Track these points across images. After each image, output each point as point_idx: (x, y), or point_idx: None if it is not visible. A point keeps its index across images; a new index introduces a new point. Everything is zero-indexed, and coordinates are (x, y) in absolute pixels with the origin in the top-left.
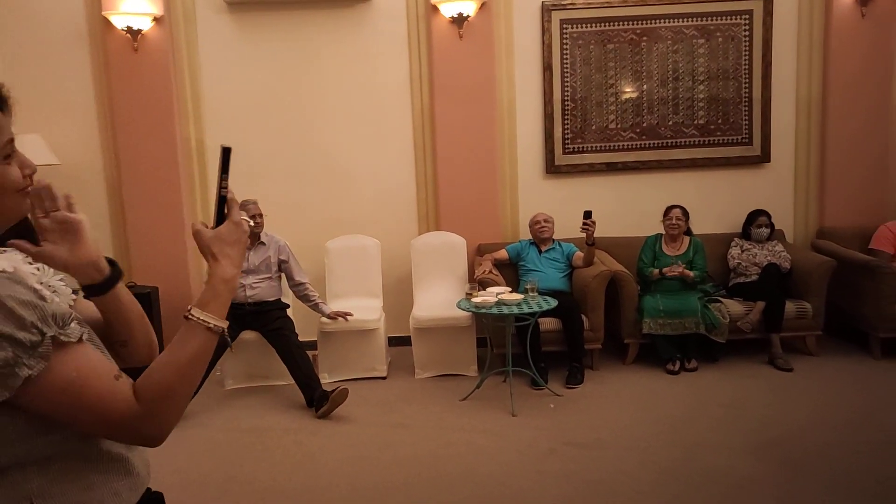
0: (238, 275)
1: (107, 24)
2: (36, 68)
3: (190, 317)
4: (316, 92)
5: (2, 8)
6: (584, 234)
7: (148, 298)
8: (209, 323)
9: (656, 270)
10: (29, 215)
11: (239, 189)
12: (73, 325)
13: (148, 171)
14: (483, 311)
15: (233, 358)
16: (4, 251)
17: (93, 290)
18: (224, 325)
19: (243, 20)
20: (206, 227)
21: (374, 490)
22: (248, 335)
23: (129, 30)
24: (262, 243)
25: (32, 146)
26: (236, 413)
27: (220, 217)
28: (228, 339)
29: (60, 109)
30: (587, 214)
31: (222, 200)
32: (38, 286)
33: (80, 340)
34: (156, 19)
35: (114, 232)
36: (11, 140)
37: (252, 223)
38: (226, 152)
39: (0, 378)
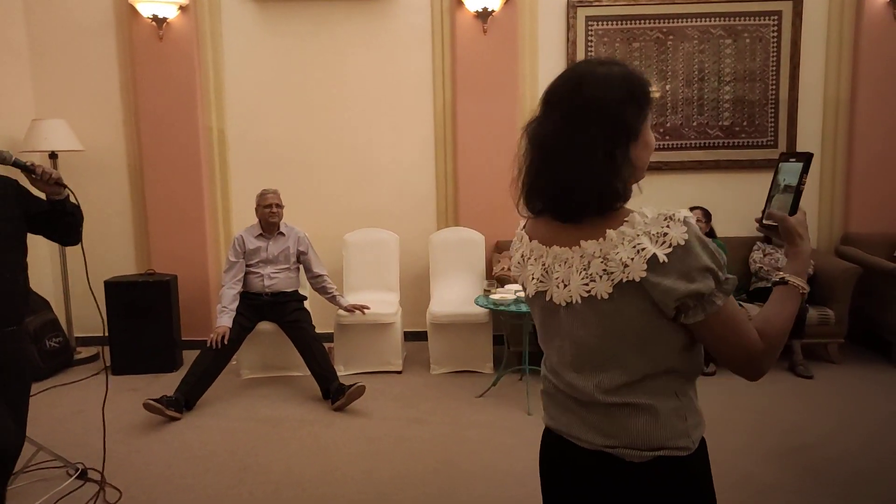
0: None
1: (133, 12)
2: (63, 55)
3: (790, 282)
4: (338, 84)
5: None
6: None
7: (167, 286)
8: (804, 289)
9: None
10: None
11: (259, 179)
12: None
13: (170, 160)
14: (501, 308)
15: (250, 348)
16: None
17: None
18: (807, 288)
19: (267, 11)
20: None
21: (388, 484)
22: (265, 326)
23: (155, 18)
24: (282, 234)
25: (58, 132)
26: (253, 402)
27: (795, 206)
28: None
29: (86, 96)
30: None
31: (799, 193)
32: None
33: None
34: (181, 8)
35: (134, 219)
36: None
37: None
38: (809, 157)
39: (704, 303)
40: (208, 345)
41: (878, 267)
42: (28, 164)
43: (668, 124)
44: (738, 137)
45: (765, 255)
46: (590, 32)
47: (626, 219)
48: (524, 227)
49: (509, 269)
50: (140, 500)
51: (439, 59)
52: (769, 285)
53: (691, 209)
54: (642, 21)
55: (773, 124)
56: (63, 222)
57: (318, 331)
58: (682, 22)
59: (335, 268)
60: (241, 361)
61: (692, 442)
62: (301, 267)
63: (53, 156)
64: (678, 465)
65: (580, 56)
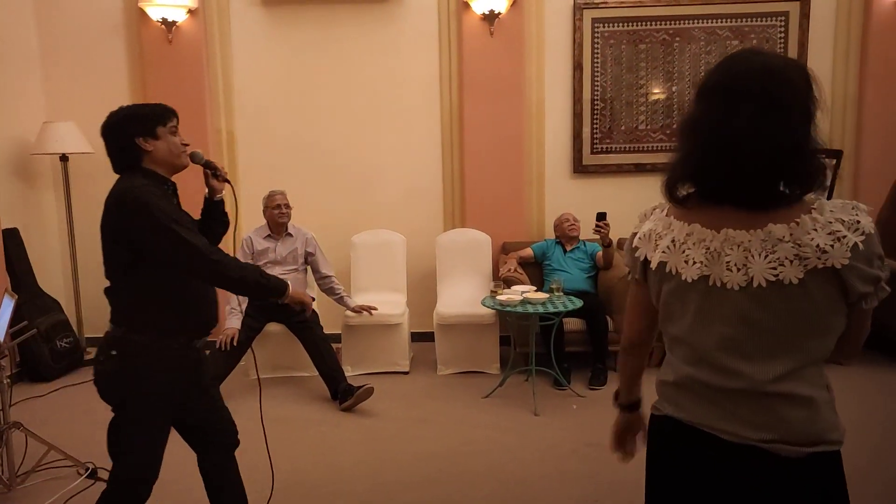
0: None
1: (143, 15)
2: (73, 58)
3: None
4: (345, 86)
5: None
6: (597, 237)
7: None
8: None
9: None
10: None
11: (267, 180)
12: None
13: None
14: (508, 309)
15: (259, 348)
16: None
17: None
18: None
19: (276, 14)
20: None
21: (395, 484)
22: (273, 327)
23: (164, 21)
24: (290, 235)
25: (68, 134)
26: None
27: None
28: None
29: (96, 99)
30: (601, 216)
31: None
32: None
33: None
34: (190, 11)
35: None
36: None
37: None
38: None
39: (878, 290)
40: (217, 346)
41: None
42: (213, 163)
43: (675, 125)
44: None
45: None
46: (596, 34)
47: (813, 206)
48: (666, 212)
49: (515, 270)
50: (149, 498)
51: (446, 61)
52: None
53: None
54: (649, 23)
55: None
56: (219, 220)
57: (325, 331)
58: (688, 23)
59: (343, 269)
60: (250, 362)
61: (842, 435)
62: (309, 268)
63: (64, 158)
64: (832, 459)
65: (587, 58)
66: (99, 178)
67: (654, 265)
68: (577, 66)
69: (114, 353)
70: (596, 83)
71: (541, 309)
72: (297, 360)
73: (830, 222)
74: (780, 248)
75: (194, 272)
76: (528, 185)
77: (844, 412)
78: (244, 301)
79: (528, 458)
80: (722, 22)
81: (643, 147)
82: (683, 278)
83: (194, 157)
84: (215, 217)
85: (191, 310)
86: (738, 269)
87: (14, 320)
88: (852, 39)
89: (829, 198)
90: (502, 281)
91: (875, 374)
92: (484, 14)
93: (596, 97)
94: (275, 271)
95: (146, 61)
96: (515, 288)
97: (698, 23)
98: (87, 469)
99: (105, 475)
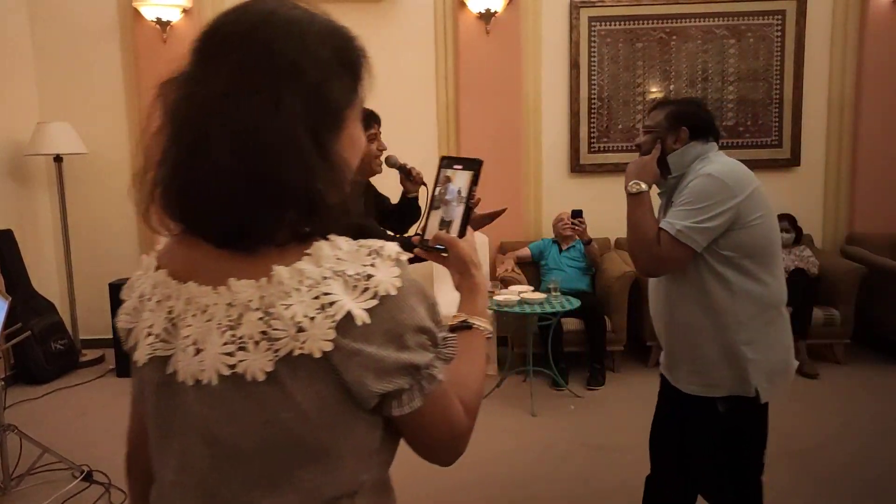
0: None
1: (137, 15)
2: (67, 59)
3: (475, 326)
4: None
5: None
6: (572, 234)
7: None
8: (489, 332)
9: None
10: None
11: None
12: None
13: None
14: (505, 309)
15: None
16: None
17: None
18: (492, 331)
19: None
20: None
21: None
22: None
23: (159, 21)
24: None
25: (62, 134)
26: None
27: (464, 228)
28: None
29: (90, 99)
30: (576, 213)
31: (470, 210)
32: None
33: None
34: (185, 11)
35: (138, 221)
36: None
37: None
38: (479, 164)
39: (420, 380)
40: None
41: (883, 267)
42: (407, 166)
43: None
44: (743, 137)
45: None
46: (593, 33)
47: (307, 250)
48: (159, 250)
49: (513, 270)
50: None
51: (442, 60)
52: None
53: None
54: (645, 21)
55: (777, 124)
56: (409, 214)
57: None
58: (685, 22)
59: None
60: None
61: None
62: None
63: (58, 159)
64: None
65: (584, 58)
66: (93, 179)
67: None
68: (574, 65)
69: None
70: (593, 82)
71: (538, 309)
72: None
73: (325, 278)
74: (247, 319)
75: None
76: (526, 185)
77: (840, 414)
78: None
79: (526, 459)
80: (719, 21)
81: None
82: (135, 360)
83: (389, 161)
84: (405, 212)
85: None
86: (196, 353)
87: (8, 322)
88: (849, 38)
89: (464, 224)
90: (499, 281)
91: (874, 374)
92: (480, 13)
93: (593, 96)
94: None
95: (141, 61)
96: (513, 288)
97: (695, 21)
98: (82, 472)
99: (100, 478)
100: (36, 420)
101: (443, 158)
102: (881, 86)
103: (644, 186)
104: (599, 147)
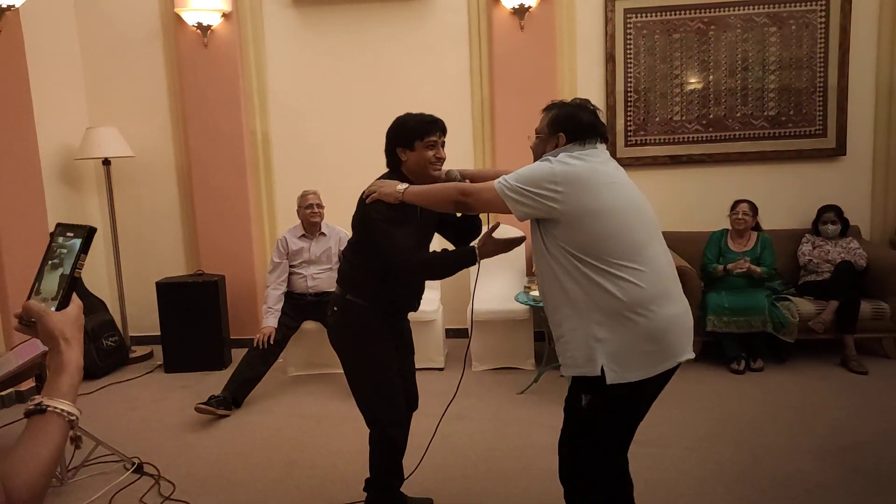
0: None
1: (179, 20)
2: (113, 64)
3: (52, 409)
4: (377, 85)
5: (82, 7)
6: None
7: (215, 286)
8: (73, 416)
9: (720, 267)
10: None
11: (302, 180)
12: None
13: (216, 163)
14: (542, 304)
15: (295, 346)
16: None
17: None
18: (78, 413)
19: (307, 15)
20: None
21: (431, 480)
22: (309, 325)
23: (200, 26)
24: (323, 234)
25: (110, 139)
26: (298, 399)
27: (67, 299)
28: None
29: (136, 103)
30: None
31: (74, 281)
32: None
33: None
34: (224, 15)
35: (183, 221)
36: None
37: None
38: (90, 232)
39: None
40: (255, 345)
41: None
42: (464, 179)
43: (711, 116)
44: (785, 127)
45: (814, 248)
46: (628, 25)
47: None
48: None
49: None
50: (192, 493)
51: (476, 57)
52: (819, 279)
53: (737, 202)
54: (682, 12)
55: (821, 113)
56: (467, 228)
57: None
58: (723, 11)
59: None
60: (287, 360)
61: None
62: None
63: (106, 162)
64: None
65: (619, 50)
66: (140, 181)
67: None
68: (610, 58)
69: (335, 308)
70: (629, 75)
71: None
72: (333, 357)
73: None
74: None
75: (389, 263)
76: None
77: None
78: (280, 300)
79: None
80: (759, 8)
81: (679, 139)
82: None
83: (449, 175)
84: (466, 227)
85: (391, 288)
86: None
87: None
88: None
89: (66, 296)
90: (536, 276)
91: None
92: (514, 8)
93: (629, 89)
94: (310, 271)
95: (183, 65)
96: None
97: (734, 10)
98: (134, 464)
99: (150, 470)
100: (89, 414)
101: (57, 226)
102: None
103: (403, 185)
104: (636, 140)
